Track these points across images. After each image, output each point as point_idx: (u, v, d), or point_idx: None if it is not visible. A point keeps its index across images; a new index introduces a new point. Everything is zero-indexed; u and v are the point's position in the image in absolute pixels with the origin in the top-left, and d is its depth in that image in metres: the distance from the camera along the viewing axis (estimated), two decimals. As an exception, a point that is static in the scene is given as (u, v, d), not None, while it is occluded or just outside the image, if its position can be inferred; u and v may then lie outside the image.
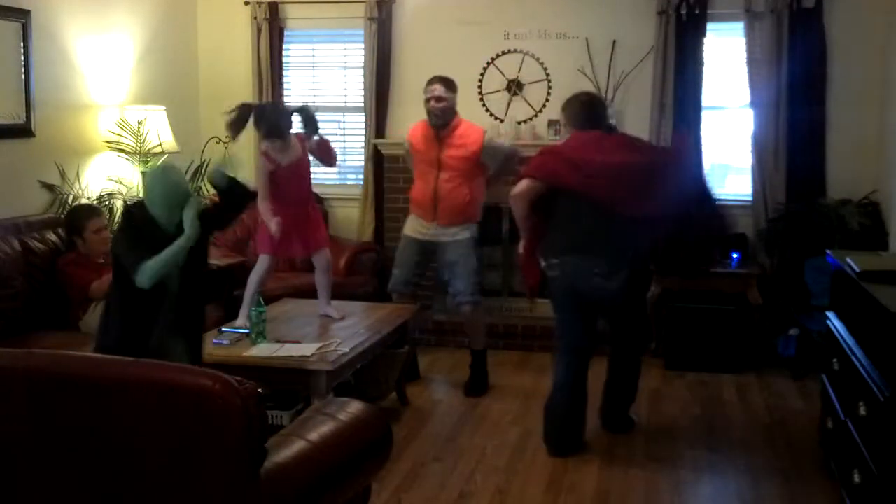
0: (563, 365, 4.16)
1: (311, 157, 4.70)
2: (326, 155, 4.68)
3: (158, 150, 5.57)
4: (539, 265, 4.18)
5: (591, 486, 3.79)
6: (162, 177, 3.41)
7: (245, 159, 6.27)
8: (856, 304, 3.47)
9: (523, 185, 4.10)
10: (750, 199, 5.85)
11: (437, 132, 4.89)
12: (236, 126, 4.44)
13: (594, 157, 4.02)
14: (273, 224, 4.41)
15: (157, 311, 3.37)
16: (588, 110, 4.26)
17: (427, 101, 4.86)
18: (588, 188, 3.97)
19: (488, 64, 6.17)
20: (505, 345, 5.76)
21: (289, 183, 4.55)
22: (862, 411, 3.13)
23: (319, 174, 5.89)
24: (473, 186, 4.94)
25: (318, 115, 4.62)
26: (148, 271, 3.26)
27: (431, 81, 4.89)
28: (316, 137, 4.60)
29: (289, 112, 4.57)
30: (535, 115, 6.10)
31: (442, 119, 4.85)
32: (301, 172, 4.64)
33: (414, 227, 5.06)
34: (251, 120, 4.46)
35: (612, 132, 4.49)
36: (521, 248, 4.31)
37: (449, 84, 4.87)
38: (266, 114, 4.51)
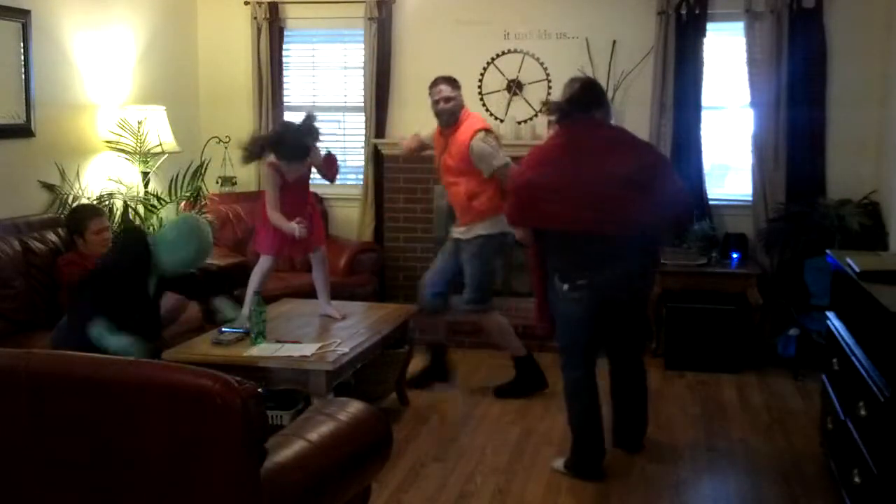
0: (582, 384, 3.90)
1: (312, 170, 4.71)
2: (330, 169, 4.64)
3: (158, 150, 5.57)
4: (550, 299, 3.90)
5: (591, 487, 3.79)
6: (204, 236, 3.74)
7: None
8: (856, 304, 3.47)
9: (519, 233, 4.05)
10: (750, 199, 5.86)
11: (444, 133, 4.87)
12: (251, 159, 4.57)
13: (569, 170, 3.71)
14: (295, 226, 4.38)
15: (128, 318, 3.65)
16: (580, 94, 3.85)
17: (435, 103, 4.79)
18: (573, 223, 3.70)
19: (488, 64, 6.17)
20: (505, 345, 5.74)
21: (291, 195, 4.54)
22: (862, 411, 3.13)
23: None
24: (473, 184, 4.77)
25: (318, 116, 4.60)
26: (95, 335, 3.53)
27: (436, 83, 4.83)
28: (324, 152, 4.61)
29: (303, 130, 4.46)
30: (535, 115, 6.10)
31: (452, 118, 4.80)
32: (303, 186, 4.65)
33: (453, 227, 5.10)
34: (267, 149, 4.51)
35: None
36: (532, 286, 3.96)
37: (453, 82, 4.83)
38: (286, 141, 4.45)
